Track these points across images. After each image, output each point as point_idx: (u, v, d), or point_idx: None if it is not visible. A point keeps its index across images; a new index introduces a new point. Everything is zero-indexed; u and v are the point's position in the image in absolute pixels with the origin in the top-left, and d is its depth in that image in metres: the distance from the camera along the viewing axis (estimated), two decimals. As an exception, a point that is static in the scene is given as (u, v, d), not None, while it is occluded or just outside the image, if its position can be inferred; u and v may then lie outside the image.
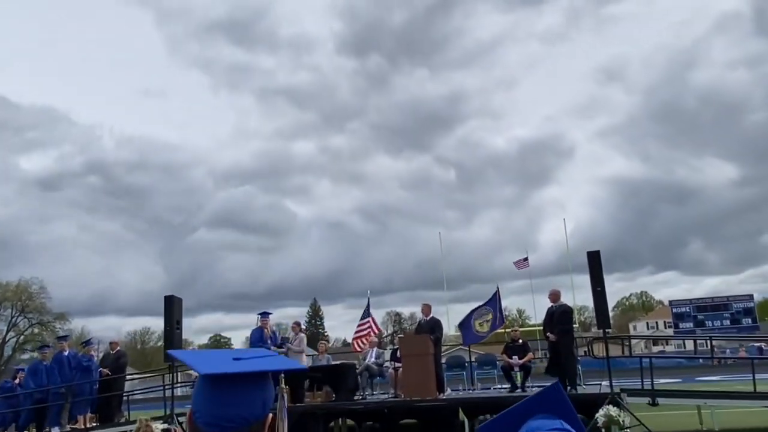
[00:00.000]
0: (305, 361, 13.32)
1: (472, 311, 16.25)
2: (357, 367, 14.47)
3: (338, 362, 14.73)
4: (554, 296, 12.55)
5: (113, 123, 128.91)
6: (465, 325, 16.30)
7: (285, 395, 1.48)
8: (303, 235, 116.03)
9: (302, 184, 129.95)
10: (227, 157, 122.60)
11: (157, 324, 77.50)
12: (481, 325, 15.97)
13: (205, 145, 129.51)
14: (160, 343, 65.51)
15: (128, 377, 17.00)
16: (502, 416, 1.66)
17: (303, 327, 15.19)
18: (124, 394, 15.23)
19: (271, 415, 1.37)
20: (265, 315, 13.45)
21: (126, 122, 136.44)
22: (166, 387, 13.27)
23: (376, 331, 17.72)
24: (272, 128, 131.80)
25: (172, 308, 12.48)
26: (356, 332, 17.84)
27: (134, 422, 6.97)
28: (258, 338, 13.03)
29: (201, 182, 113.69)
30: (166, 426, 8.89)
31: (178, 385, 14.64)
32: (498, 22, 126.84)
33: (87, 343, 15.55)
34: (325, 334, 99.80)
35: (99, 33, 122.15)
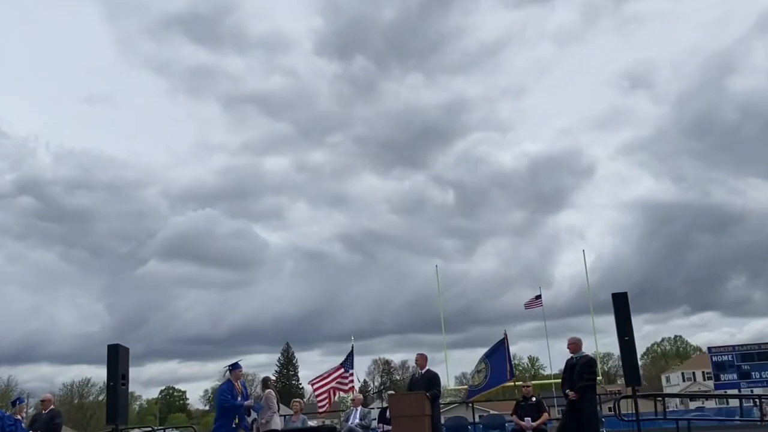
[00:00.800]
0: (277, 424, 13.17)
1: (484, 362, 16.37)
2: (338, 429, 14.35)
3: (316, 424, 14.62)
4: (574, 346, 12.49)
5: (50, 135, 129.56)
6: (495, 360, 16.39)
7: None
8: (275, 267, 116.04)
9: (275, 206, 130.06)
10: (186, 175, 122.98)
11: (98, 374, 76.67)
12: (474, 378, 16.04)
13: (160, 161, 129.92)
14: (101, 397, 64.86)
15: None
16: None
17: (272, 380, 15.03)
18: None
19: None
20: (236, 367, 13.31)
21: (65, 134, 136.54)
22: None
23: (347, 388, 17.47)
24: (240, 141, 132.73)
25: (117, 359, 12.35)
26: (335, 380, 17.55)
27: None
28: (228, 395, 12.88)
29: (153, 204, 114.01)
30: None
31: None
32: (504, 20, 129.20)
33: (16, 402, 15.27)
34: (300, 386, 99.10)
35: (35, 30, 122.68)
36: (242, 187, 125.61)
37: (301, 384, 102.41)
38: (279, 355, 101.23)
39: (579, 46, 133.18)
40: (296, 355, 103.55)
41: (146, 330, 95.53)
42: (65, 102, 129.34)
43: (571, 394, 11.92)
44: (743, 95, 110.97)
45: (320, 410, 18.04)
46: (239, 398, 12.52)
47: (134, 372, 13.51)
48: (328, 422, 16.12)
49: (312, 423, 16.47)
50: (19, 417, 14.52)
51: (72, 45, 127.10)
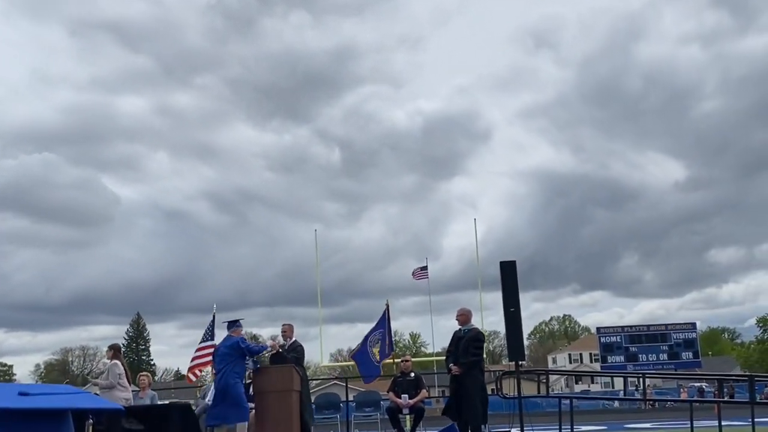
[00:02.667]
0: (120, 399, 12.89)
1: (367, 337, 16.53)
2: (194, 407, 14.21)
3: (167, 401, 14.41)
4: (464, 317, 12.81)
5: None
6: (360, 357, 16.52)
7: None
8: (127, 226, 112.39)
9: (129, 155, 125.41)
10: (20, 111, 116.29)
11: None
12: (378, 353, 16.30)
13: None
14: None
15: None
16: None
17: (121, 352, 14.69)
18: None
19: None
20: (236, 325, 13.11)
21: None
22: None
23: (206, 362, 17.45)
24: (90, 75, 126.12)
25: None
26: (194, 358, 17.53)
27: None
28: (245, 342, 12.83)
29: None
30: None
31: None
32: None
33: None
34: (151, 362, 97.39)
35: None
36: (90, 129, 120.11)
37: (152, 360, 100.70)
38: (128, 327, 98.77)
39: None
40: (148, 327, 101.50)
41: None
42: None
43: (454, 368, 12.26)
44: (649, 63, 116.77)
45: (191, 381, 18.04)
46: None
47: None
48: (180, 402, 15.88)
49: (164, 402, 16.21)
50: None
51: None
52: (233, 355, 12.37)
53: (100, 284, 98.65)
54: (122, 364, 13.74)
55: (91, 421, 11.35)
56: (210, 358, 17.52)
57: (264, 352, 13.27)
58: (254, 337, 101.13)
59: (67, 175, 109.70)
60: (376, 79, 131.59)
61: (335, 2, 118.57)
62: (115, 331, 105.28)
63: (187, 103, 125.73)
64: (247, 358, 12.73)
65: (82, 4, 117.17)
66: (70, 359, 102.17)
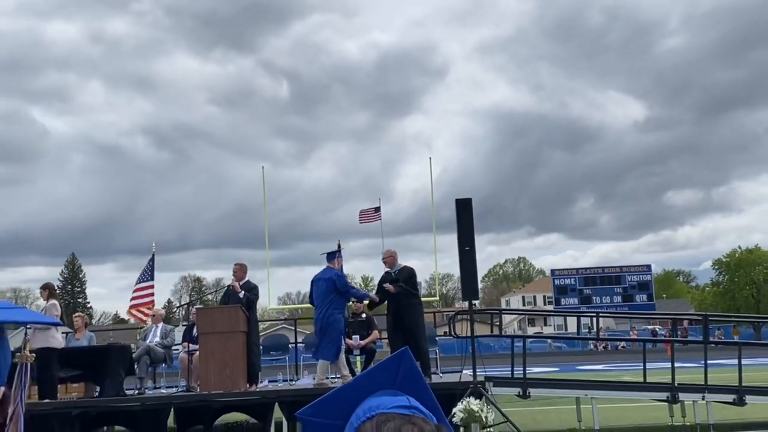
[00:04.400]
0: (59, 341, 12.82)
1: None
2: (133, 350, 14.22)
3: (104, 344, 14.41)
4: (391, 259, 13.07)
5: None
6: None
7: (28, 365, 1.40)
8: (58, 162, 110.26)
9: (59, 85, 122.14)
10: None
11: None
12: None
13: None
14: None
15: None
16: (334, 393, 1.72)
17: (55, 291, 14.55)
18: None
19: (1, 390, 1.29)
20: (336, 256, 13.27)
21: None
22: None
23: (146, 302, 17.49)
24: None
25: None
26: (133, 298, 17.49)
27: None
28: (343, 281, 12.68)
29: None
30: None
31: None
32: None
33: None
34: (88, 305, 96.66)
35: None
36: (17, 58, 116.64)
37: (89, 302, 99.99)
38: (62, 268, 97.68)
39: None
40: (84, 269, 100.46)
41: None
42: None
43: (389, 287, 12.44)
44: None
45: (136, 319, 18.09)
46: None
47: None
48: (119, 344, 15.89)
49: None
50: None
51: None
52: (333, 289, 12.31)
53: (30, 223, 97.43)
54: (60, 305, 13.59)
55: (28, 340, 11.25)
56: (151, 298, 17.49)
57: (365, 299, 13.34)
58: (198, 280, 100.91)
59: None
60: (327, 8, 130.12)
61: None
62: (49, 273, 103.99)
63: (122, 31, 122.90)
64: None
65: None
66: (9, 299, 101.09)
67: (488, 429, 11.39)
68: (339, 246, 17.23)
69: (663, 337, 32.53)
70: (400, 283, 12.44)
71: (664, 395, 12.56)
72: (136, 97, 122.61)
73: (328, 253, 13.14)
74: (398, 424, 1.50)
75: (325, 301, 12.31)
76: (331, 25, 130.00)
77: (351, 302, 17.34)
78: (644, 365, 13.63)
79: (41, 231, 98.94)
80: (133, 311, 17.56)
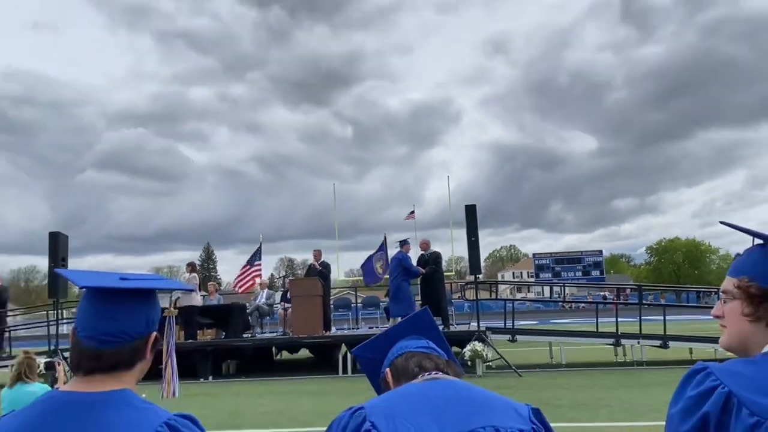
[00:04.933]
0: (198, 301, 13.01)
1: (372, 255, 16.60)
2: (248, 307, 14.38)
3: (229, 303, 14.55)
4: (425, 245, 13.09)
5: None
6: (366, 267, 16.60)
7: (174, 318, 1.43)
8: (197, 180, 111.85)
9: (198, 130, 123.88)
10: (121, 98, 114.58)
11: (42, 263, 72.47)
12: (381, 268, 16.40)
13: (98, 84, 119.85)
14: (45, 282, 61.43)
15: (11, 313, 15.87)
16: (376, 338, 1.72)
17: (197, 268, 14.75)
18: (6, 329, 14.21)
19: (154, 333, 1.31)
20: (405, 242, 12.86)
21: (13, 55, 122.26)
22: (51, 323, 12.52)
23: (254, 279, 17.39)
24: (170, 72, 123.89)
25: (57, 244, 11.67)
26: (246, 272, 17.51)
27: (16, 356, 6.55)
28: (407, 261, 12.30)
29: (91, 121, 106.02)
30: (49, 360, 8.42)
31: (63, 321, 13.81)
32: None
33: None
34: (218, 277, 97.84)
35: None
36: (170, 111, 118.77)
37: (219, 276, 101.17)
38: (201, 252, 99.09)
39: (455, 15, 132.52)
40: (215, 253, 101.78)
41: (84, 228, 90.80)
42: (12, 27, 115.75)
43: (421, 270, 12.42)
44: (574, 65, 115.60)
45: (240, 292, 17.95)
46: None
47: (73, 262, 12.82)
48: (238, 303, 16.04)
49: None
50: None
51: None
52: (400, 265, 12.08)
53: (179, 222, 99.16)
54: (198, 277, 13.83)
55: (176, 299, 11.40)
56: (259, 271, 17.55)
57: (418, 275, 12.54)
58: (290, 260, 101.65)
59: (154, 144, 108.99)
60: (377, 76, 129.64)
61: (348, 19, 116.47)
62: (190, 255, 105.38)
63: (240, 92, 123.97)
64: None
65: (163, 19, 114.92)
66: (160, 275, 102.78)
67: (488, 363, 11.31)
68: (385, 237, 17.08)
69: (611, 300, 32.00)
70: (431, 264, 12.40)
71: (611, 340, 12.39)
72: (248, 137, 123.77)
73: (400, 241, 12.99)
74: (420, 359, 1.50)
75: (394, 273, 12.13)
76: (381, 88, 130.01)
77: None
78: (596, 320, 13.38)
79: (186, 227, 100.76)
80: (237, 286, 17.55)
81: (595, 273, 47.15)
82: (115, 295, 1.24)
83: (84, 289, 1.25)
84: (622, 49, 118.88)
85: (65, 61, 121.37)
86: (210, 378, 12.08)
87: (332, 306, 15.42)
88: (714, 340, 12.41)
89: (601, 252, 50.13)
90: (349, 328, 15.71)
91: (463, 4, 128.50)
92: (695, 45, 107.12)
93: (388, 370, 1.54)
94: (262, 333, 14.64)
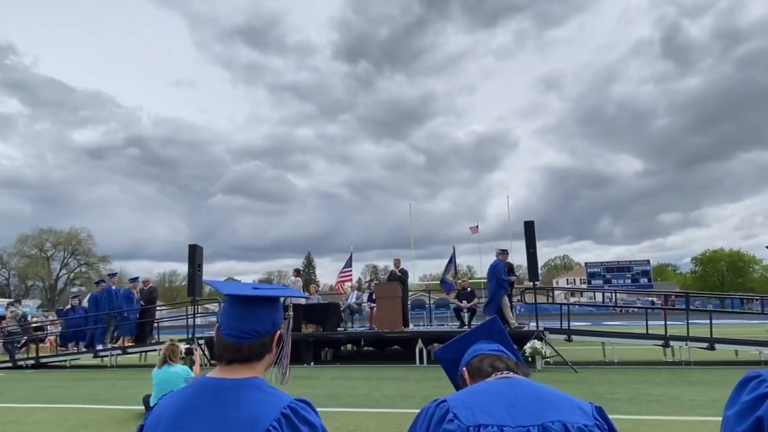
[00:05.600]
0: (302, 301, 13.36)
1: (446, 269, 16.52)
2: (341, 305, 14.61)
3: (326, 302, 14.84)
4: (503, 255, 12.74)
5: (151, 106, 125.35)
6: (444, 284, 16.53)
7: (290, 318, 1.50)
8: (301, 202, 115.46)
9: (302, 161, 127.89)
10: (242, 137, 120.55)
11: (182, 268, 77.31)
12: (452, 276, 16.27)
13: (225, 128, 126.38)
14: (184, 283, 65.25)
15: (158, 308, 16.95)
16: (454, 341, 1.72)
17: (301, 273, 15.22)
18: (156, 320, 15.19)
19: (279, 332, 1.40)
20: (503, 252, 12.43)
21: (161, 106, 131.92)
22: (189, 316, 13.27)
23: (344, 283, 17.62)
24: (279, 116, 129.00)
25: (194, 254, 12.38)
26: (340, 277, 17.92)
27: (163, 343, 7.01)
28: (498, 269, 11.82)
29: (220, 157, 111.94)
30: (188, 346, 8.90)
31: (198, 315, 14.59)
32: (462, 40, 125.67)
33: (134, 279, 15.37)
34: (317, 280, 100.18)
35: (142, 33, 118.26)
36: (280, 147, 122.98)
37: (317, 279, 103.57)
38: (303, 259, 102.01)
39: (512, 59, 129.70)
40: (315, 260, 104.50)
41: (214, 240, 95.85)
42: (161, 84, 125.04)
43: (512, 278, 12.14)
44: (620, 97, 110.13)
45: (337, 293, 18.33)
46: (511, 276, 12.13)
47: (206, 268, 13.53)
48: (333, 302, 16.37)
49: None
50: (134, 291, 14.65)
51: (167, 44, 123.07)
52: (494, 273, 11.79)
53: (286, 235, 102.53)
54: (301, 281, 14.22)
55: (291, 303, 11.83)
56: (350, 276, 17.82)
57: (506, 283, 11.83)
58: (374, 267, 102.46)
59: (268, 173, 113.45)
60: (446, 113, 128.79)
61: (421, 67, 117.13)
62: (295, 262, 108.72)
63: (335, 131, 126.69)
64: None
65: (274, 74, 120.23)
66: (271, 278, 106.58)
67: (546, 359, 10.86)
68: (454, 249, 16.90)
69: (659, 306, 29.90)
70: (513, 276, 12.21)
71: (660, 342, 11.56)
72: (341, 166, 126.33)
73: (499, 250, 12.46)
74: (492, 360, 1.48)
75: (491, 280, 11.83)
76: (449, 123, 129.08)
77: (459, 279, 17.10)
78: (646, 323, 12.53)
79: (292, 239, 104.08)
80: (339, 285, 17.92)
81: (643, 280, 44.24)
82: (250, 302, 1.33)
83: (226, 296, 1.35)
84: (663, 81, 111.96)
85: (200, 109, 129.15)
86: (312, 364, 12.32)
87: (410, 306, 15.39)
88: (758, 343, 11.35)
89: (648, 261, 47.00)
90: (424, 325, 15.60)
91: (518, 51, 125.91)
92: (732, 76, 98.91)
93: (465, 369, 1.53)
94: (353, 327, 14.80)
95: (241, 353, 1.30)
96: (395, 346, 14.05)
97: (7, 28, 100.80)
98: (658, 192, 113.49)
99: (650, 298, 45.99)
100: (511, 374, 1.40)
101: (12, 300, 17.69)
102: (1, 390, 10.16)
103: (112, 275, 15.50)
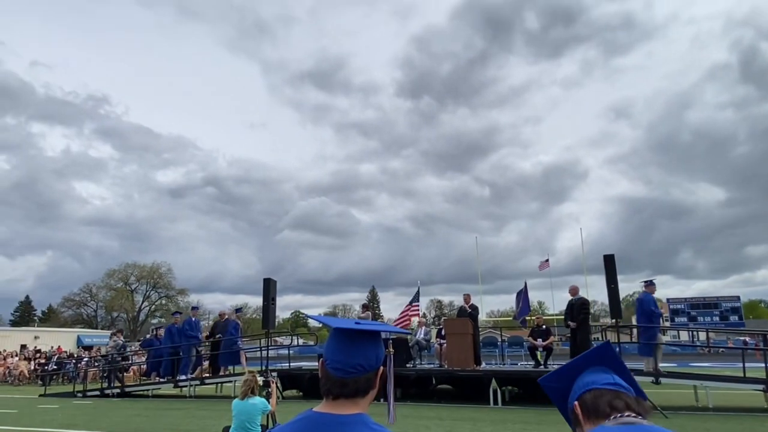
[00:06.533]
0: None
1: (517, 306, 16.07)
2: (409, 341, 14.39)
3: (393, 337, 14.68)
4: (574, 290, 12.16)
5: (226, 148, 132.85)
6: (521, 311, 16.06)
7: (391, 355, 1.47)
8: (365, 237, 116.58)
9: (366, 197, 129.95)
10: (309, 175, 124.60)
11: (252, 300, 79.53)
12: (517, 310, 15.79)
13: (293, 166, 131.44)
14: (255, 315, 67.00)
15: (242, 338, 17.40)
16: (561, 369, 1.59)
17: (368, 307, 15.23)
18: (242, 350, 15.60)
19: (381, 368, 1.37)
20: (651, 283, 11.61)
21: (236, 147, 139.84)
22: (263, 348, 13.55)
23: (411, 318, 17.23)
24: (344, 153, 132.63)
25: (269, 288, 12.74)
26: (407, 311, 17.56)
27: (237, 374, 7.19)
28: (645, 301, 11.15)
29: (288, 194, 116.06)
30: (265, 378, 9.05)
31: (272, 347, 14.88)
32: (526, 71, 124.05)
33: (194, 307, 16.14)
34: (381, 315, 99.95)
35: (220, 80, 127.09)
36: (345, 183, 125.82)
37: (382, 314, 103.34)
38: (367, 293, 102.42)
39: (578, 88, 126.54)
40: (379, 294, 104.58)
41: (281, 273, 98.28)
42: (236, 127, 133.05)
43: (572, 323, 11.55)
44: (696, 124, 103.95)
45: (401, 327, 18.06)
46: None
47: (276, 300, 13.84)
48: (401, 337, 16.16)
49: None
50: (194, 318, 15.30)
51: (242, 89, 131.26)
52: (643, 308, 10.87)
53: (351, 269, 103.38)
54: (371, 314, 14.20)
55: (390, 339, 11.78)
56: (416, 311, 17.53)
57: (653, 316, 10.96)
58: (439, 302, 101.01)
59: (333, 209, 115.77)
60: (511, 144, 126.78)
61: (485, 100, 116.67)
62: (360, 296, 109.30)
63: (398, 166, 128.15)
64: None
65: (340, 114, 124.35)
66: (336, 311, 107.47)
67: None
68: (525, 284, 16.37)
69: (752, 344, 27.13)
70: (582, 313, 11.59)
71: (760, 387, 10.41)
72: (404, 200, 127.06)
73: (647, 281, 11.48)
74: (610, 398, 1.35)
75: (642, 315, 10.88)
76: (514, 154, 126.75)
77: (533, 317, 16.41)
78: (743, 364, 11.37)
79: (356, 273, 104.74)
80: (400, 323, 17.61)
81: (734, 318, 40.48)
82: (356, 336, 1.32)
83: (333, 330, 1.35)
84: (743, 106, 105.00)
85: (271, 149, 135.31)
86: (381, 400, 12.11)
87: (481, 343, 14.91)
88: None
89: (738, 297, 43.07)
90: (497, 364, 15.02)
91: (585, 80, 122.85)
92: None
93: (576, 403, 1.41)
94: (421, 364, 14.50)
95: (347, 388, 1.29)
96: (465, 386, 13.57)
97: (103, 82, 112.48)
98: (744, 222, 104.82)
99: (742, 338, 41.92)
100: (632, 416, 1.28)
101: (115, 330, 18.85)
102: (90, 418, 10.74)
103: (195, 308, 16.27)
